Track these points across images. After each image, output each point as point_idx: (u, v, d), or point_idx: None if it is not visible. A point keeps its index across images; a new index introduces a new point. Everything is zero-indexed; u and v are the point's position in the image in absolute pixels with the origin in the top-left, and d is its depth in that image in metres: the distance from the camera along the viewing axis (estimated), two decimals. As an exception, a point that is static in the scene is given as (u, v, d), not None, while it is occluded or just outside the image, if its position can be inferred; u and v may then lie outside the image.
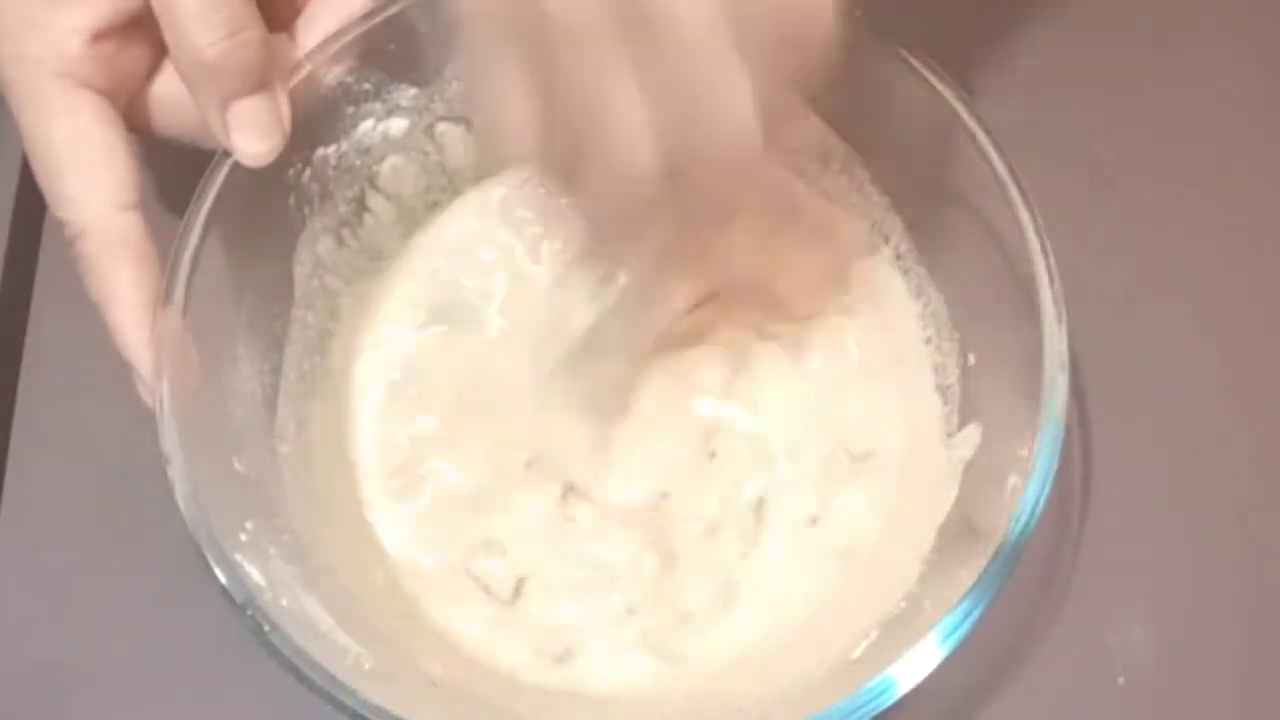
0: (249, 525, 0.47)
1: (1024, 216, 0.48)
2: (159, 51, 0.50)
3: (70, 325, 0.58)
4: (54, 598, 0.55)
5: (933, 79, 0.49)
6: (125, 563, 0.55)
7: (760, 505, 0.54)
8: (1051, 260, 0.47)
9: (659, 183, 0.42)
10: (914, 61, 0.50)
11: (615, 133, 0.41)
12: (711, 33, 0.39)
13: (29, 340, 0.60)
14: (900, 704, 0.43)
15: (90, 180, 0.47)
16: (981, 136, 0.49)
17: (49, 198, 0.48)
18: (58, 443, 0.58)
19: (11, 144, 0.60)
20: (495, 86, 0.43)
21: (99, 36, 0.48)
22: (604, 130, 0.41)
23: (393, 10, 0.52)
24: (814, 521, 0.54)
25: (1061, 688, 0.53)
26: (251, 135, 0.48)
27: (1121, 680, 0.53)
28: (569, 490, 0.54)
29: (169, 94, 0.51)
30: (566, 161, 0.44)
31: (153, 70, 0.51)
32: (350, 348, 0.56)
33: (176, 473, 0.45)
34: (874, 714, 0.43)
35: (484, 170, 0.57)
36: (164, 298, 0.47)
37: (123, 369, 0.48)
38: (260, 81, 0.48)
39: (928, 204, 0.53)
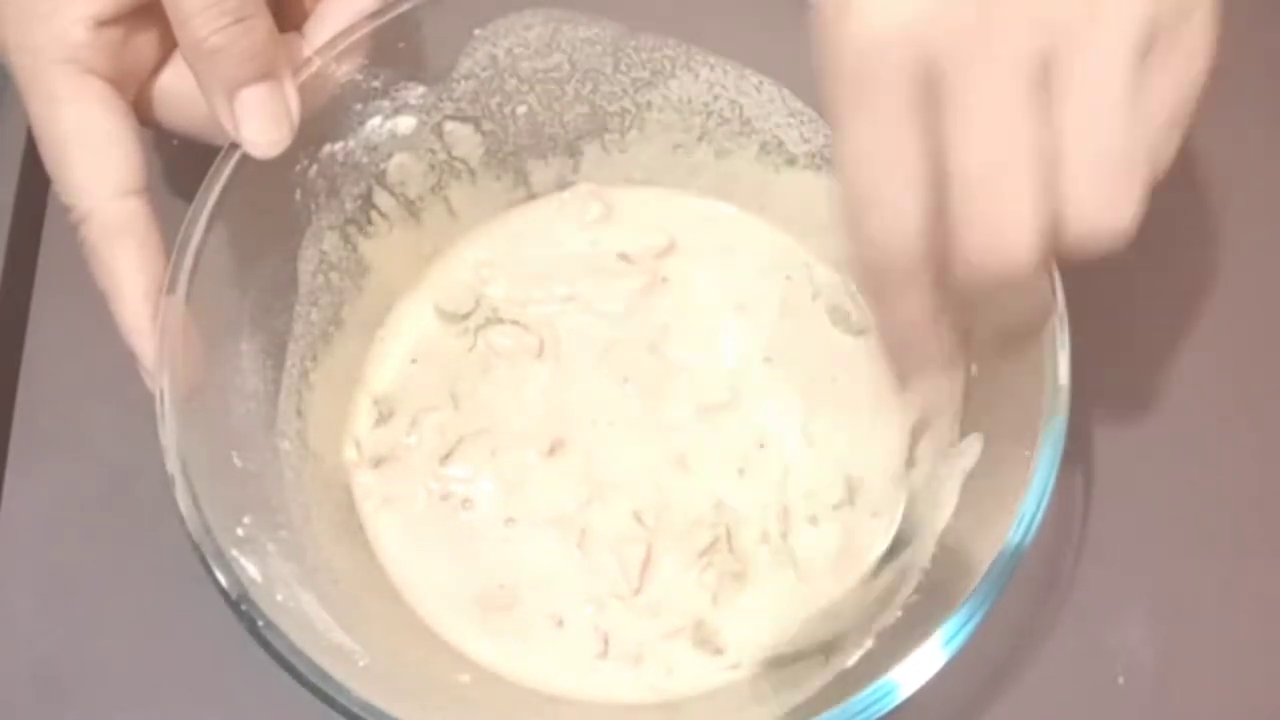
0: (247, 520, 0.46)
1: None
2: (167, 43, 0.50)
3: (70, 325, 0.58)
4: (54, 597, 0.55)
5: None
6: (125, 562, 0.55)
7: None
8: (1054, 271, 0.47)
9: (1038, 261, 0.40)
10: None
11: (1009, 207, 0.39)
12: (1132, 90, 0.39)
13: (29, 340, 0.60)
14: (901, 703, 0.43)
15: (94, 166, 0.47)
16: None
17: (55, 183, 0.48)
18: (58, 443, 0.58)
19: (12, 144, 0.60)
20: (880, 149, 0.40)
21: (104, 24, 0.48)
22: (997, 203, 0.39)
23: (402, 8, 0.52)
24: (815, 527, 0.54)
25: (1062, 688, 0.53)
26: (258, 124, 0.48)
27: (1121, 680, 0.54)
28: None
29: (176, 87, 0.51)
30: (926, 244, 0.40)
31: (161, 62, 0.51)
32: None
33: (174, 465, 0.45)
34: (877, 717, 0.43)
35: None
36: (167, 287, 0.47)
37: (123, 368, 0.48)
38: (266, 70, 0.47)
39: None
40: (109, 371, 0.48)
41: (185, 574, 0.45)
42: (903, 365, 0.47)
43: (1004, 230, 0.39)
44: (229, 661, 0.50)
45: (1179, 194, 0.60)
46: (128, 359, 0.47)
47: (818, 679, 0.48)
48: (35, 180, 0.61)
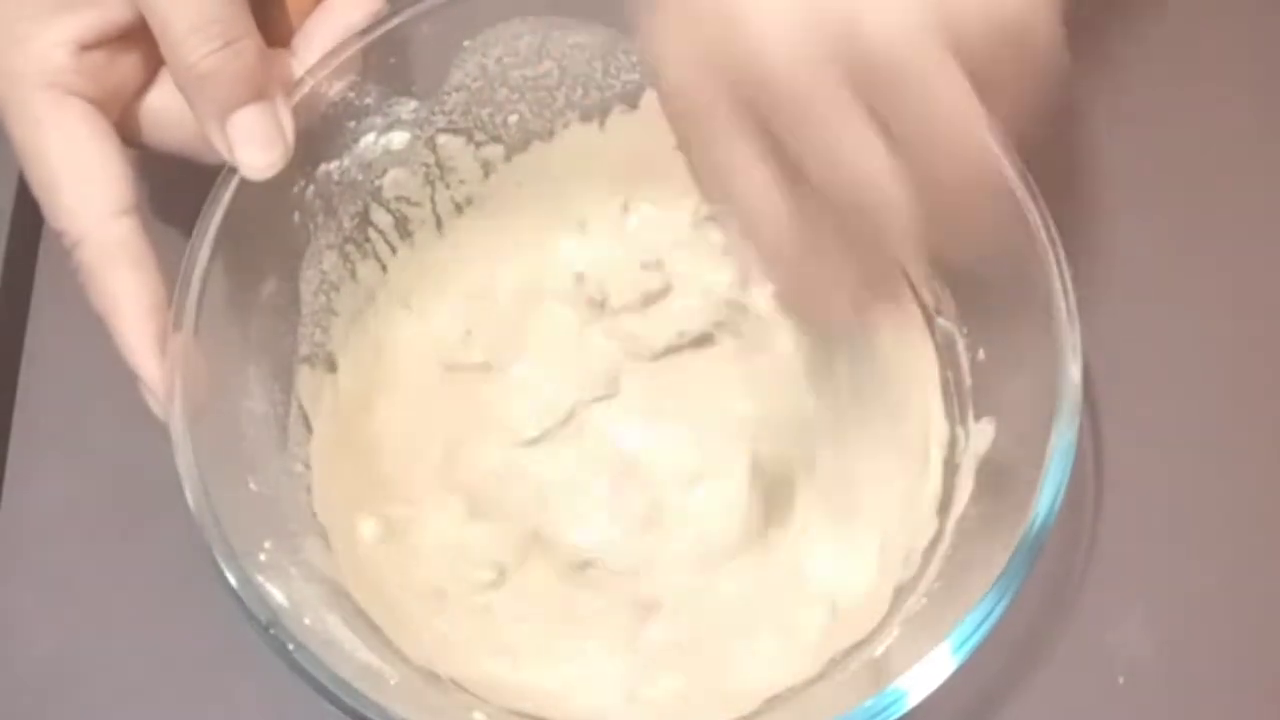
0: (268, 545, 0.46)
1: (1032, 213, 0.48)
2: (151, 64, 0.50)
3: (70, 325, 0.57)
4: (54, 597, 0.55)
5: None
6: (125, 562, 0.55)
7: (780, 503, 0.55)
8: (1061, 255, 0.47)
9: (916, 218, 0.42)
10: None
11: (870, 183, 0.42)
12: (940, 65, 0.40)
13: (29, 340, 0.60)
14: (901, 704, 0.43)
15: (84, 189, 0.47)
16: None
17: (45, 209, 0.48)
18: (58, 443, 0.58)
19: (11, 146, 0.60)
20: (730, 166, 0.44)
21: (87, 47, 0.48)
22: (856, 184, 0.42)
23: (392, 24, 0.52)
24: (830, 521, 0.54)
25: (1062, 687, 0.53)
26: (253, 147, 0.48)
27: (1121, 680, 0.54)
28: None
29: (162, 107, 0.50)
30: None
31: (145, 83, 0.51)
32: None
33: (194, 494, 0.45)
34: (884, 723, 0.43)
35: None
36: (174, 322, 0.47)
37: (123, 368, 0.47)
38: (258, 91, 0.47)
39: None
40: (109, 372, 0.48)
41: (185, 574, 0.46)
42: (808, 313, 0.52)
43: (875, 197, 0.42)
44: (229, 661, 0.50)
45: (1192, 191, 0.61)
46: (127, 366, 0.47)
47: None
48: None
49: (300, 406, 0.53)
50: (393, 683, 0.45)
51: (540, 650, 0.52)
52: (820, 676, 0.49)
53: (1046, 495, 0.44)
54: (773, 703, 0.49)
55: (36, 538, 0.56)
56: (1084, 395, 0.46)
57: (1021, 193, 0.48)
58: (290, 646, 0.43)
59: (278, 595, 0.44)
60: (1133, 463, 0.57)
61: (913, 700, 0.43)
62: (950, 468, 0.52)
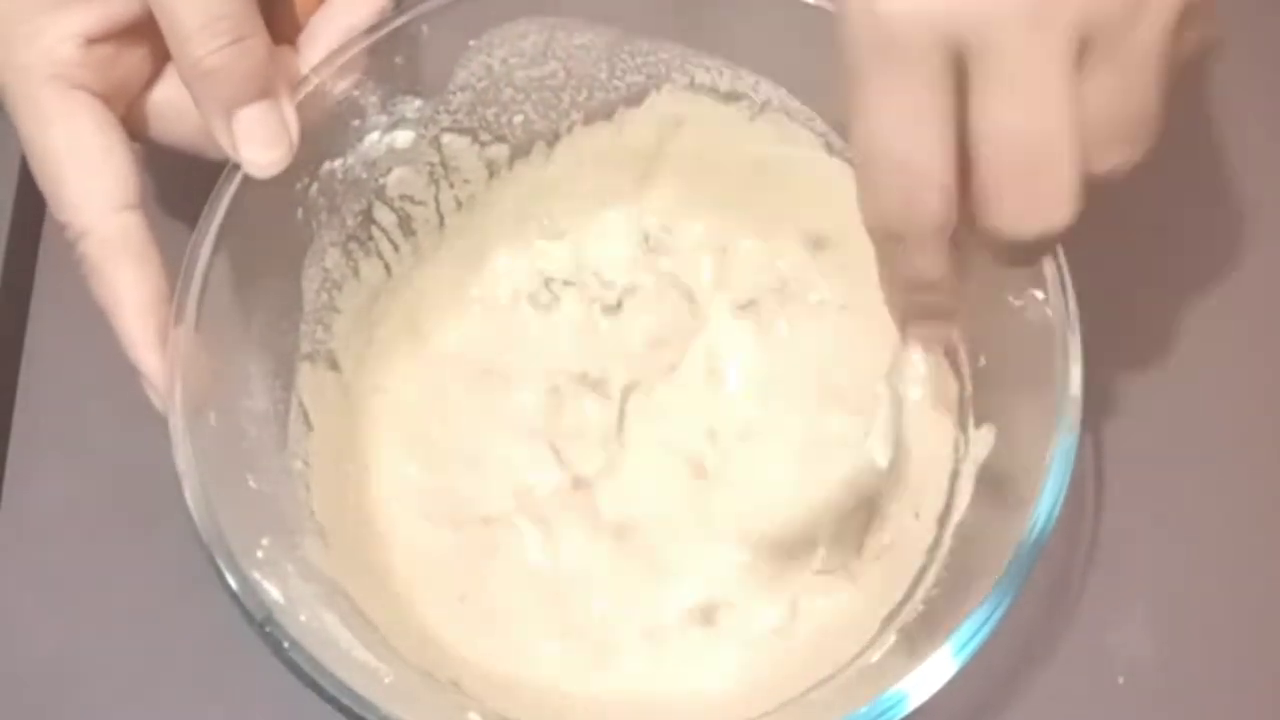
0: (265, 542, 0.46)
1: None
2: (158, 58, 0.50)
3: (70, 325, 0.58)
4: (54, 597, 0.55)
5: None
6: (125, 562, 0.55)
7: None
8: (1061, 260, 0.47)
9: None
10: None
11: (1056, 175, 0.40)
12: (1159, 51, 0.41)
13: (29, 340, 0.60)
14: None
15: (89, 183, 0.47)
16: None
17: (49, 202, 0.48)
18: (58, 443, 0.58)
19: (11, 144, 0.60)
20: (907, 113, 0.41)
21: (94, 41, 0.48)
22: (1042, 172, 0.40)
23: (397, 23, 0.52)
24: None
25: (1062, 687, 0.53)
26: (257, 144, 0.48)
27: (1121, 680, 0.54)
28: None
29: (168, 101, 0.51)
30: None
31: (152, 77, 0.51)
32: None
33: (192, 491, 0.45)
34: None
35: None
36: (176, 317, 0.47)
37: (123, 368, 0.48)
38: (264, 89, 0.47)
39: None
40: (109, 371, 0.48)
41: (185, 574, 0.46)
42: (907, 314, 0.49)
43: (1048, 196, 0.40)
44: (229, 661, 0.51)
45: (1194, 192, 0.61)
46: (128, 360, 0.47)
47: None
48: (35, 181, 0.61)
49: (301, 404, 0.53)
50: (387, 681, 0.45)
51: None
52: (821, 679, 0.49)
53: (1046, 500, 0.44)
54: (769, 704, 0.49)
55: (36, 538, 0.56)
56: (1084, 397, 0.46)
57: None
58: (285, 644, 0.43)
59: (274, 592, 0.44)
60: (1132, 464, 0.56)
61: (913, 702, 0.43)
62: (950, 475, 0.52)
